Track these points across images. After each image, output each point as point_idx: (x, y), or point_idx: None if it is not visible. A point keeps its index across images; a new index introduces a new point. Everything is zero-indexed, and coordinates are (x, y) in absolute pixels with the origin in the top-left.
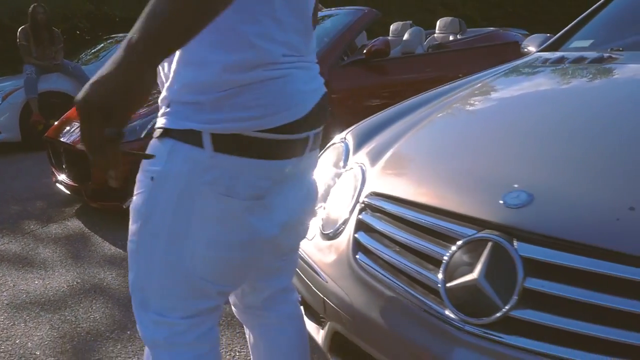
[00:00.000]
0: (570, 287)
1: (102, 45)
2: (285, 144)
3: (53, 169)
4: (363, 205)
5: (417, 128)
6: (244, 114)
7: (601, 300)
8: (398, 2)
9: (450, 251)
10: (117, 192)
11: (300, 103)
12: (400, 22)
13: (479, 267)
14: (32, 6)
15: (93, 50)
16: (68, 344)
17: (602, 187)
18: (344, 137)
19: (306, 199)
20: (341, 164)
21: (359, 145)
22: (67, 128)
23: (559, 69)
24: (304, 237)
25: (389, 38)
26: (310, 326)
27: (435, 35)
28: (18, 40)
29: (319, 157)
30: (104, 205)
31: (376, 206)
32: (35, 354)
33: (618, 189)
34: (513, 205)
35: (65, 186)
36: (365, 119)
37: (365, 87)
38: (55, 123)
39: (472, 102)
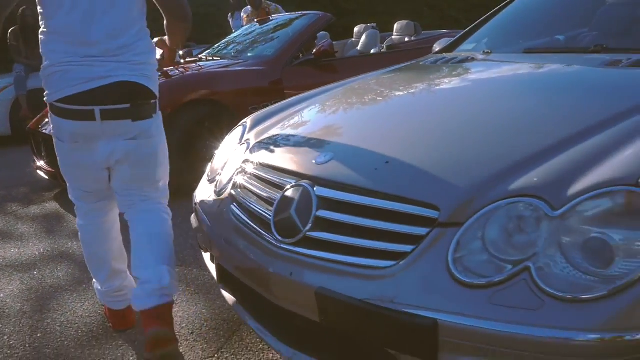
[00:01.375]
0: (347, 215)
1: None
2: (72, 111)
3: (35, 157)
4: (239, 169)
5: (293, 113)
6: (48, 91)
7: (366, 223)
8: (384, 4)
9: (279, 195)
10: None
11: (71, 86)
12: (363, 25)
13: (293, 205)
14: (21, 9)
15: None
16: (33, 294)
17: (375, 148)
18: (245, 121)
19: (115, 152)
20: (238, 141)
21: (252, 127)
22: (47, 120)
23: (431, 66)
24: (139, 176)
25: (353, 39)
26: (208, 264)
27: (393, 37)
28: (8, 41)
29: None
30: None
31: (246, 169)
32: (5, 301)
33: (381, 149)
34: (318, 163)
35: (44, 172)
36: (266, 108)
37: (314, 84)
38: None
39: (351, 93)
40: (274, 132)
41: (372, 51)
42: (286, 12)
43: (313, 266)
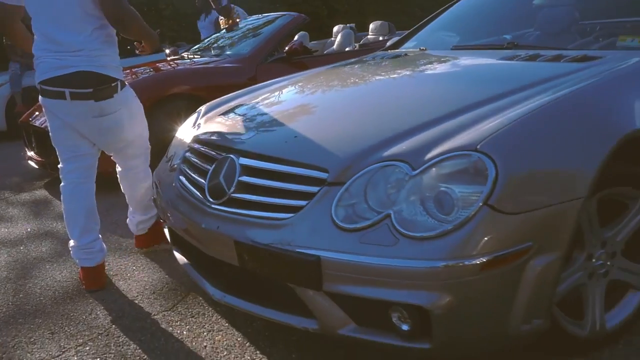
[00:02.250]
0: (261, 179)
1: None
2: (49, 91)
3: (26, 148)
4: (187, 148)
5: (238, 102)
6: (36, 76)
7: (274, 184)
8: (376, 4)
9: (215, 167)
10: None
11: (47, 72)
12: (342, 25)
13: (222, 173)
14: None
15: None
16: (18, 265)
17: (289, 125)
18: (200, 109)
19: (87, 128)
20: (192, 125)
21: (204, 113)
22: (37, 114)
23: (370, 60)
24: (111, 143)
25: (332, 39)
26: (166, 231)
27: (368, 36)
28: (4, 40)
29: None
30: None
31: (192, 147)
32: None
33: (294, 126)
34: (243, 139)
35: (34, 161)
36: (219, 98)
37: None
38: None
39: (290, 84)
40: (218, 117)
41: (346, 49)
42: (278, 12)
43: (234, 220)
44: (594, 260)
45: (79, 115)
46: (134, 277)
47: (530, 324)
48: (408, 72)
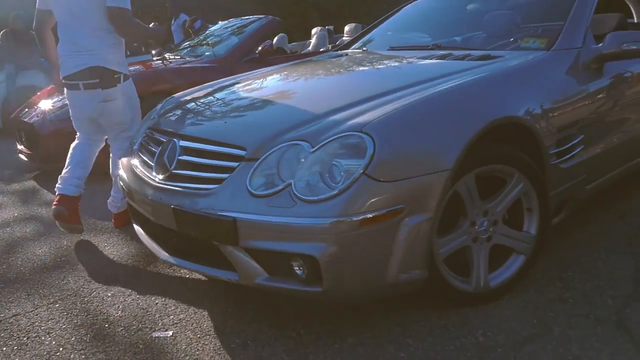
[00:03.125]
0: (195, 157)
1: None
2: (68, 84)
3: (17, 143)
4: (145, 134)
5: (193, 96)
6: (60, 72)
7: (205, 161)
8: (367, 6)
9: (161, 149)
10: (58, 156)
11: (67, 70)
12: (320, 27)
13: (166, 153)
14: (12, 14)
15: None
16: (4, 243)
17: (226, 113)
18: (164, 100)
19: (95, 111)
20: (154, 115)
21: (165, 105)
22: (27, 110)
23: (317, 58)
24: (110, 123)
25: (310, 40)
26: (128, 206)
27: (343, 38)
28: (0, 42)
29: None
30: (50, 166)
31: (147, 133)
32: None
33: (229, 113)
34: (186, 125)
35: (24, 154)
36: (180, 92)
37: None
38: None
39: (246, 79)
40: (172, 108)
41: (321, 50)
42: (271, 15)
43: (173, 192)
44: (477, 226)
45: (90, 100)
46: (105, 251)
47: (408, 274)
48: (337, 69)
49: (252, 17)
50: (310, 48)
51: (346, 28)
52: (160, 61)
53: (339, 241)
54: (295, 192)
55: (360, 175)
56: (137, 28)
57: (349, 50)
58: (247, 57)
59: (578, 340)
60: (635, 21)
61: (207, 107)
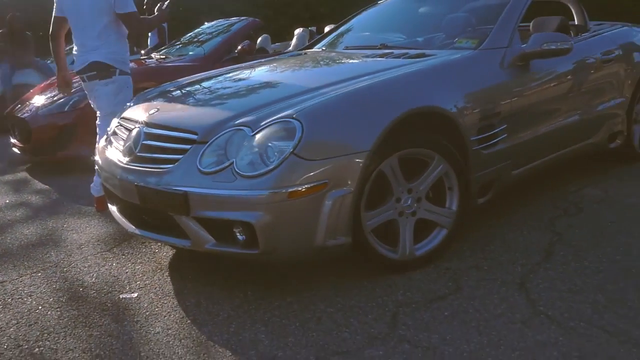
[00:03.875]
0: (156, 141)
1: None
2: (80, 77)
3: (10, 137)
4: (117, 123)
5: (163, 90)
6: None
7: (164, 145)
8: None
9: (128, 135)
10: (48, 148)
11: (78, 65)
12: (302, 28)
13: (132, 138)
14: (9, 15)
15: (67, 48)
16: None
17: (185, 104)
18: (136, 96)
19: (97, 99)
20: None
21: (138, 99)
22: (20, 106)
23: (282, 56)
24: (105, 108)
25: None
26: (103, 187)
27: None
28: None
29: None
30: (41, 157)
31: (118, 122)
32: None
33: (188, 104)
34: (149, 114)
35: (17, 148)
36: (153, 87)
37: None
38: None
39: (215, 74)
40: (143, 100)
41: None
42: (264, 15)
43: (137, 172)
44: (402, 202)
45: (91, 88)
46: (86, 231)
47: (335, 240)
48: (289, 66)
49: (234, 19)
50: (290, 48)
51: (326, 29)
52: (147, 60)
53: (272, 210)
54: (236, 169)
55: (290, 154)
56: (145, 24)
57: (310, 50)
58: (227, 57)
59: (481, 298)
60: (576, 23)
61: (170, 99)
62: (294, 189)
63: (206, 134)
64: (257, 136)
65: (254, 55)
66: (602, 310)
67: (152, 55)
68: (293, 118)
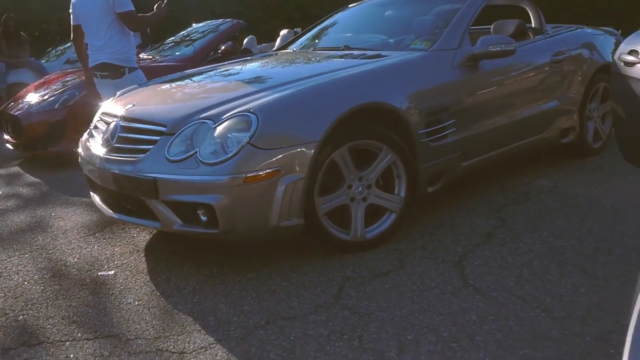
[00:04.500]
0: (131, 134)
1: (68, 45)
2: (93, 74)
3: (4, 133)
4: (98, 118)
5: (141, 87)
6: None
7: (137, 136)
8: None
9: (107, 128)
10: (39, 144)
11: (91, 63)
12: (286, 29)
13: (109, 131)
14: (4, 16)
15: (62, 48)
16: None
17: (158, 100)
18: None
19: (109, 93)
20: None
21: (119, 96)
22: (12, 104)
23: (257, 55)
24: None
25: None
26: (85, 177)
27: None
28: None
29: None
30: (32, 153)
31: (99, 116)
32: None
33: (161, 99)
34: (125, 109)
35: (10, 144)
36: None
37: None
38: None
39: (194, 72)
40: (121, 96)
41: None
42: (257, 16)
43: (113, 161)
44: (353, 189)
45: (104, 86)
46: (71, 219)
47: (289, 221)
48: (258, 66)
49: (218, 21)
50: (274, 48)
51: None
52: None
53: (230, 193)
54: (200, 157)
55: (246, 144)
56: (144, 21)
57: (283, 51)
58: (211, 57)
59: (420, 274)
60: (533, 25)
61: (145, 95)
62: (249, 175)
63: (174, 126)
64: (219, 128)
65: (238, 55)
66: (524, 282)
67: (140, 55)
68: (250, 112)
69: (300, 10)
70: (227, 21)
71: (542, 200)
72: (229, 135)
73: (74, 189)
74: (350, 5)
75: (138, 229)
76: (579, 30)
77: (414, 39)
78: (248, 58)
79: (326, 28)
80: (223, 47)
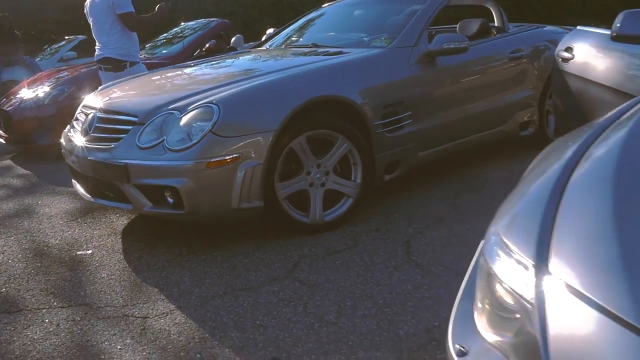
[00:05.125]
0: (107, 124)
1: (62, 43)
2: (98, 65)
3: None
4: (79, 110)
5: (121, 83)
6: None
7: (113, 127)
8: None
9: (85, 119)
10: (29, 138)
11: (96, 57)
12: (272, 28)
13: (88, 121)
14: None
15: (56, 46)
16: None
17: (137, 93)
18: (97, 88)
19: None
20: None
21: (99, 91)
22: (5, 100)
23: (226, 55)
24: None
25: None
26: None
27: None
28: None
29: None
30: (23, 146)
31: (80, 109)
32: None
33: (138, 92)
34: (103, 101)
35: (2, 138)
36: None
37: None
38: None
39: (170, 70)
40: (101, 90)
41: None
42: (250, 15)
43: (91, 149)
44: (311, 175)
45: (108, 77)
46: (57, 206)
47: (249, 203)
48: (230, 62)
49: (204, 20)
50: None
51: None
52: None
53: (194, 177)
54: (167, 145)
55: (208, 132)
56: (143, 22)
57: (257, 48)
58: (195, 55)
59: (370, 251)
60: (496, 24)
61: (122, 89)
62: (211, 160)
63: (144, 117)
64: (184, 118)
65: (223, 53)
66: (462, 259)
67: None
68: (213, 103)
69: (293, 9)
70: (213, 20)
71: (496, 188)
72: (194, 125)
73: (61, 180)
74: (324, 5)
75: (117, 214)
76: (539, 29)
77: (378, 38)
78: (224, 55)
79: (301, 27)
80: (207, 45)
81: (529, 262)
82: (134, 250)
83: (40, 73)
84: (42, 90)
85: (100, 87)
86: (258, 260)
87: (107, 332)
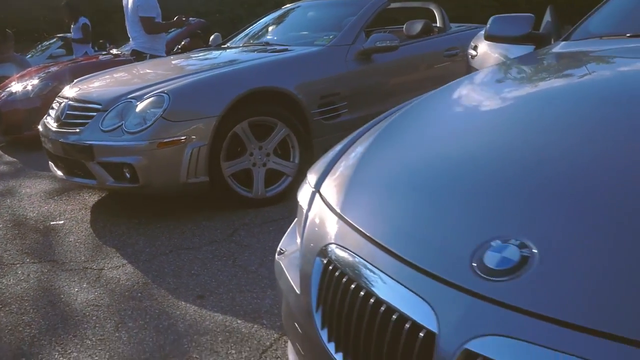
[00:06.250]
0: (76, 111)
1: (53, 41)
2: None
3: None
4: (55, 100)
5: (95, 76)
6: None
7: (79, 113)
8: None
9: (58, 107)
10: (16, 129)
11: (128, 49)
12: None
13: (59, 109)
14: None
15: (47, 44)
16: None
17: (111, 84)
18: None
19: None
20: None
21: (75, 83)
22: None
23: (198, 51)
24: None
25: None
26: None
27: None
28: None
29: None
30: (11, 137)
31: (56, 99)
32: None
33: (102, 85)
34: (74, 91)
35: None
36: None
37: None
38: None
39: (140, 65)
40: (76, 84)
41: None
42: (237, 14)
43: (62, 133)
44: (254, 156)
45: None
46: (37, 187)
47: (196, 178)
48: (191, 58)
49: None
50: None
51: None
52: (107, 55)
53: (147, 155)
54: (125, 128)
55: (159, 117)
56: (159, 27)
57: (223, 46)
58: (174, 51)
59: None
60: (438, 25)
61: (92, 82)
62: (162, 141)
63: (107, 104)
64: (140, 105)
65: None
66: None
67: (111, 51)
68: (164, 93)
69: (280, 7)
70: (191, 19)
71: None
72: (148, 111)
73: (44, 166)
74: (284, 7)
75: (89, 193)
76: (477, 29)
77: (322, 37)
78: (188, 53)
79: (263, 27)
80: (183, 43)
81: (311, 188)
82: (100, 220)
83: (29, 69)
84: (29, 85)
85: (75, 81)
86: (204, 227)
87: (68, 280)
